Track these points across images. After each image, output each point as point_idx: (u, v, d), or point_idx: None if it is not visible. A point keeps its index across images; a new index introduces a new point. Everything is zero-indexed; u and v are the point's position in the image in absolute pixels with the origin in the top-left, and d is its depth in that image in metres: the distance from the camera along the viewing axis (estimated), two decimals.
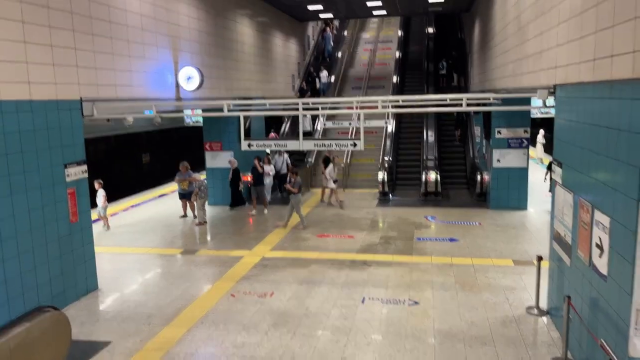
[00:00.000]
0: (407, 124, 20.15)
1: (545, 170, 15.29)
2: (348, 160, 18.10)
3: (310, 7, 19.12)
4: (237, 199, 14.90)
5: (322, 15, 21.63)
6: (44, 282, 7.57)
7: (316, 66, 24.29)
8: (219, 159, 14.92)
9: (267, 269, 9.57)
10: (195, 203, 13.32)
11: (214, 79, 13.44)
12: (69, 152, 8.09)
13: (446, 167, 17.48)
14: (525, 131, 13.57)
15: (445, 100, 9.79)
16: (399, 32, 26.80)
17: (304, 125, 19.28)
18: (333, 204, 14.99)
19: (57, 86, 7.77)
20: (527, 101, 13.50)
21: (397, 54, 24.78)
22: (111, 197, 16.33)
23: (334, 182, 14.91)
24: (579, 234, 5.90)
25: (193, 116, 18.06)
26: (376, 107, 8.38)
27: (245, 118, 15.68)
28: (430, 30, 26.28)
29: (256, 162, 14.23)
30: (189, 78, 11.50)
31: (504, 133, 13.64)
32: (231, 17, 14.70)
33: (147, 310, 7.87)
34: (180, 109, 13.03)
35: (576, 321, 5.94)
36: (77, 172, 8.29)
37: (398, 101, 13.56)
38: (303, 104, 8.56)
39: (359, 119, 9.00)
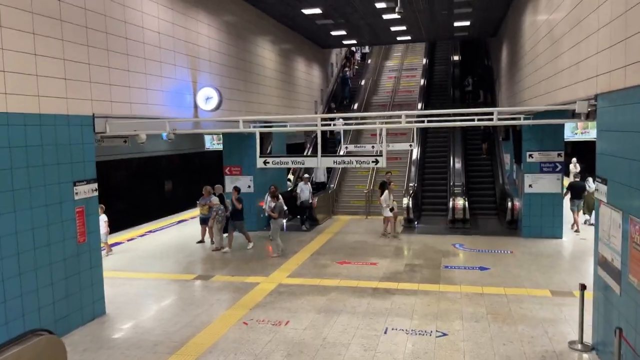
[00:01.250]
0: (433, 150, 19.59)
1: (565, 191, 14.16)
2: (371, 186, 17.56)
3: (334, 33, 18.97)
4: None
5: (345, 42, 21.49)
6: (47, 305, 7.16)
7: (337, 105, 23.75)
8: (239, 184, 14.52)
9: (283, 296, 9.00)
10: (213, 228, 12.91)
11: (234, 102, 13.21)
12: (78, 169, 7.78)
13: (474, 195, 16.77)
14: (559, 155, 12.87)
15: (474, 117, 9.27)
16: (424, 60, 26.54)
17: (318, 175, 18.55)
18: (387, 235, 13.78)
19: (68, 101, 7.53)
20: (560, 123, 12.88)
21: (422, 81, 24.44)
22: (130, 223, 16.13)
23: (391, 210, 13.74)
24: (631, 257, 5.22)
25: (214, 142, 17.74)
26: (400, 123, 7.87)
27: (266, 142, 15.48)
28: (456, 57, 26.01)
29: (234, 193, 12.46)
30: (208, 98, 11.28)
31: (536, 157, 12.96)
32: (252, 41, 14.57)
33: (154, 338, 7.36)
34: (198, 130, 12.69)
35: (629, 356, 5.20)
36: (87, 191, 7.97)
37: (423, 121, 13.09)
38: (322, 120, 8.12)
39: (381, 142, 8.64)
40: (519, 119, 12.84)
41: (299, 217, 15.57)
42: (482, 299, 8.57)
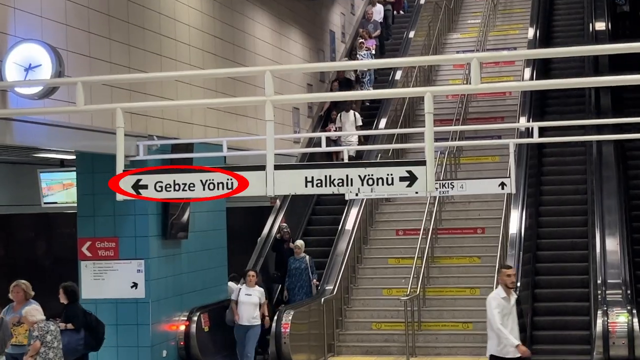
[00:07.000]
0: (551, 211, 10.59)
1: None
2: (420, 287, 8.81)
3: None
4: None
5: None
6: None
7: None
8: (113, 279, 6.47)
9: None
10: None
11: (105, 89, 6.04)
12: None
13: None
14: None
15: None
16: (530, 31, 15.97)
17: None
18: None
19: None
20: None
21: (528, 72, 14.40)
22: None
23: None
24: None
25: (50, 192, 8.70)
26: None
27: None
28: (600, 26, 15.50)
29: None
30: (30, 68, 5.43)
31: None
32: None
33: None
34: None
35: None
36: None
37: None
38: None
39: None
40: None
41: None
42: None
